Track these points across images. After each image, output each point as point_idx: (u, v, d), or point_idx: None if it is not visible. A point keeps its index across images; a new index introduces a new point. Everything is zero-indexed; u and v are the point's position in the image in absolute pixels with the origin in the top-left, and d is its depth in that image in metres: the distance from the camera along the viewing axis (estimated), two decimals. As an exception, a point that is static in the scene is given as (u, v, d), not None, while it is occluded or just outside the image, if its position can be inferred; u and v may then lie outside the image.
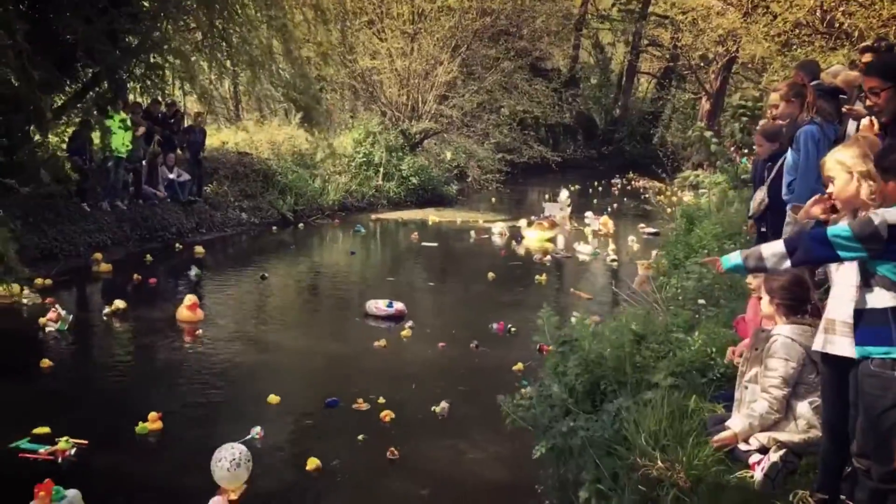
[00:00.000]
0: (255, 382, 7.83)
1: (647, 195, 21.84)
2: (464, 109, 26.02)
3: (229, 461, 5.21)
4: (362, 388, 7.37)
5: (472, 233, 17.74)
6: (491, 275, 13.09)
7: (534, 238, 17.09)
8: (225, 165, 18.41)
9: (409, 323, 9.77)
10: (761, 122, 8.98)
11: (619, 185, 29.93)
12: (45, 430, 6.21)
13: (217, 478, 5.23)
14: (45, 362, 7.96)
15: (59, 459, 5.83)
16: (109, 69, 13.61)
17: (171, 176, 15.72)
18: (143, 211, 14.67)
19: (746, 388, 4.29)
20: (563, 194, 20.77)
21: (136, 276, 11.82)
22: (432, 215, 20.10)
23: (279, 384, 7.54)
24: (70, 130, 14.16)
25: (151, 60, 14.64)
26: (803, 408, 4.05)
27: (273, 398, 7.15)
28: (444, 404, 6.99)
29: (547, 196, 23.62)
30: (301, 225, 18.06)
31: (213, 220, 16.41)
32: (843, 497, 3.41)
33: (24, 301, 10.08)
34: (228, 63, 16.86)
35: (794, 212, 3.51)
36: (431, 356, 8.79)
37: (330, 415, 6.98)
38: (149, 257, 13.20)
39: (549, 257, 15.00)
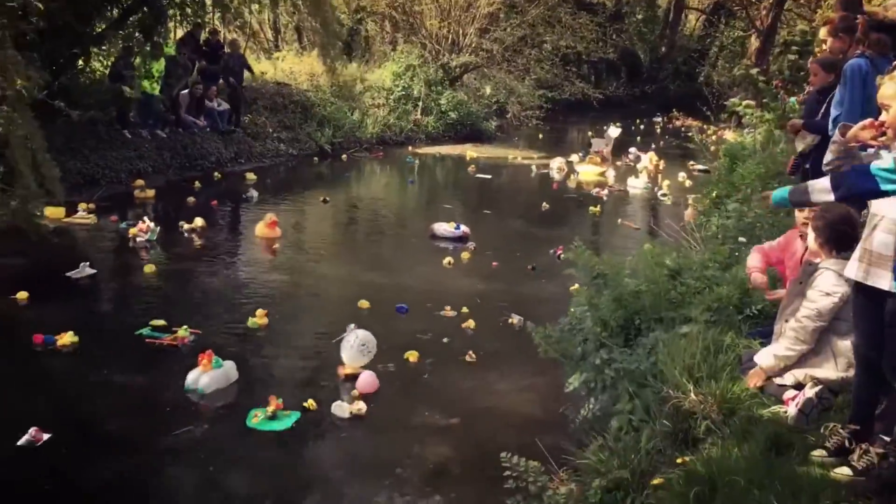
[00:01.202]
0: (340, 290, 8.69)
1: (689, 133, 21.38)
2: (505, 43, 25.45)
3: (347, 342, 6.28)
4: (437, 299, 8.14)
5: (534, 167, 18.14)
6: (545, 205, 13.69)
7: (587, 172, 17.39)
8: (264, 96, 18.34)
9: (472, 245, 10.55)
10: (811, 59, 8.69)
11: (660, 124, 29.36)
12: (161, 322, 6.97)
13: (342, 354, 6.29)
14: (150, 267, 8.68)
15: (180, 345, 6.61)
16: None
17: (212, 105, 15.72)
18: (183, 139, 14.73)
19: (787, 321, 4.22)
20: (613, 130, 20.57)
21: (190, 198, 12.30)
22: (470, 151, 19.93)
23: (362, 292, 8.21)
24: (112, 58, 14.22)
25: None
26: (844, 346, 3.98)
27: (363, 303, 7.92)
28: (518, 317, 7.59)
29: (590, 133, 23.36)
30: (343, 157, 18.07)
31: (251, 150, 16.42)
32: (878, 433, 3.37)
33: (87, 221, 10.60)
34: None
35: (842, 132, 3.39)
36: (492, 275, 9.49)
37: (413, 319, 7.73)
38: (197, 184, 13.48)
39: (606, 190, 15.49)
